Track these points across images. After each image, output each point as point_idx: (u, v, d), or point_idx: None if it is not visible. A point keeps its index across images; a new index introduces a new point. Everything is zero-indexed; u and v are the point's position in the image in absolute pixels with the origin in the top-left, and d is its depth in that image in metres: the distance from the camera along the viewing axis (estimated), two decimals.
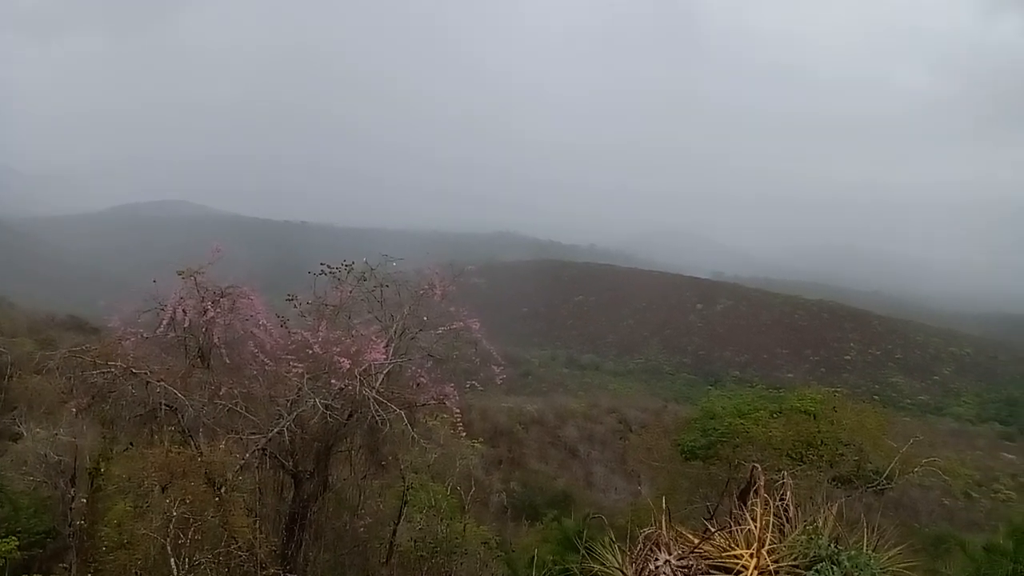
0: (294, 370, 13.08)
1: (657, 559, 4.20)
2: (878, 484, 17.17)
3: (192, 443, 13.08)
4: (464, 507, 19.36)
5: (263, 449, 12.98)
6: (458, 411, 13.99)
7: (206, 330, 13.47)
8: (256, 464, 13.88)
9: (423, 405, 13.92)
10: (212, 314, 13.32)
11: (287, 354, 13.76)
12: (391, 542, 16.53)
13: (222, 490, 12.51)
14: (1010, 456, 60.69)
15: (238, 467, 13.04)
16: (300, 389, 12.93)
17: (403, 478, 16.62)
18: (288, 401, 13.14)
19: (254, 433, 12.92)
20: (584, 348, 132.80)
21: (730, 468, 17.17)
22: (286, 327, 14.44)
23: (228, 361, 13.62)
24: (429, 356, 14.34)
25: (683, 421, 22.48)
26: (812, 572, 3.59)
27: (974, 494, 38.83)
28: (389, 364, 13.56)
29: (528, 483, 35.49)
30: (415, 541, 17.14)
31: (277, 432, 12.53)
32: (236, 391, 13.34)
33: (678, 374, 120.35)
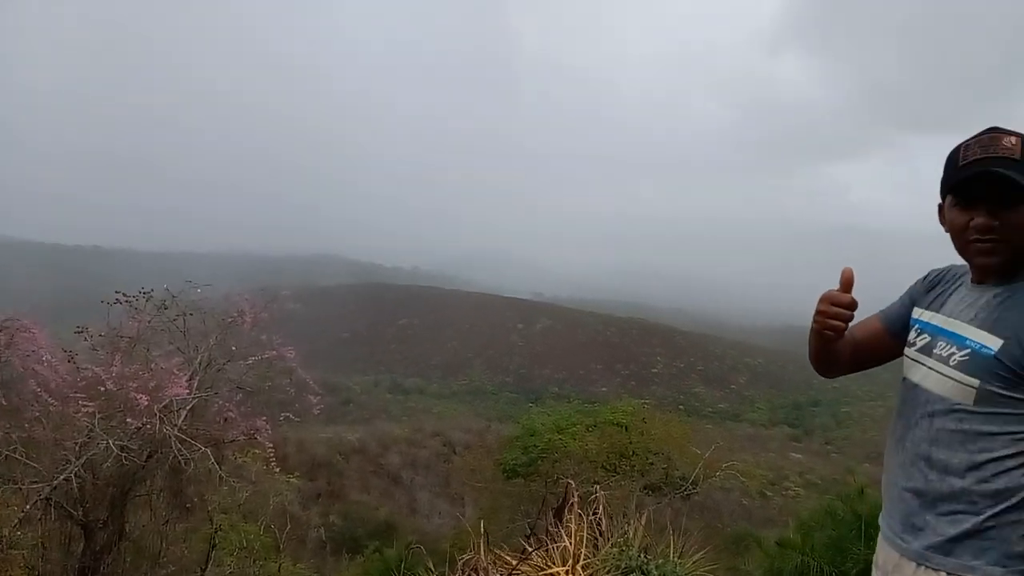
0: (84, 410, 11.82)
1: None
2: (685, 490, 18.19)
3: None
4: (279, 546, 18.41)
5: (47, 499, 11.62)
6: (271, 445, 13.22)
7: None
8: (39, 516, 12.41)
9: (232, 441, 13.05)
10: None
11: (76, 392, 12.42)
12: None
13: None
14: (798, 456, 66.36)
15: (16, 521, 11.60)
16: (91, 430, 11.70)
17: (211, 520, 15.52)
18: (77, 444, 11.86)
19: (36, 482, 11.54)
20: (408, 372, 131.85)
21: (551, 484, 17.56)
22: (74, 362, 13.05)
23: (5, 403, 12.09)
24: (238, 388, 13.46)
25: (505, 440, 22.76)
26: None
27: (768, 493, 42.16)
28: (193, 399, 12.61)
29: (349, 515, 34.37)
30: None
31: (64, 479, 11.26)
32: (14, 436, 11.86)
33: (501, 393, 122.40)
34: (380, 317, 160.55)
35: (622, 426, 18.97)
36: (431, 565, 4.56)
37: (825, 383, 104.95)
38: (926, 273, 2.60)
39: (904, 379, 2.45)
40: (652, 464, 18.52)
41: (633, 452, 18.22)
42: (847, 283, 2.31)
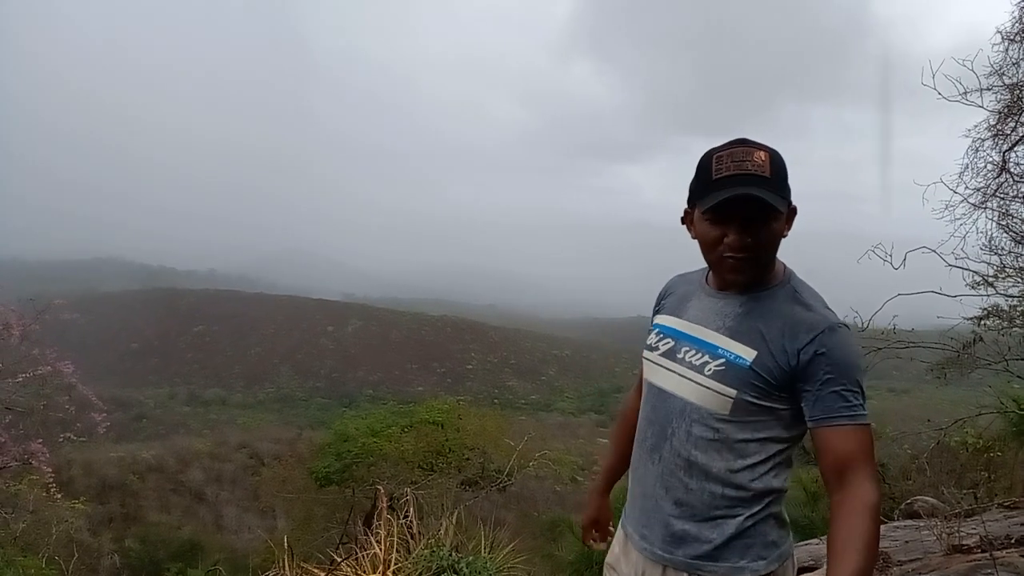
0: None
1: None
2: (500, 482, 18.55)
3: None
4: None
5: None
6: (50, 470, 11.99)
7: None
8: None
9: (2, 468, 11.68)
10: None
11: None
12: None
13: None
14: (604, 441, 69.21)
15: None
16: None
17: None
18: None
19: None
20: (208, 382, 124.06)
21: (364, 490, 17.25)
22: None
23: None
24: (7, 409, 12.06)
25: (318, 447, 22.05)
26: None
27: (579, 478, 43.92)
28: None
29: (147, 538, 31.77)
30: None
31: None
32: None
33: (312, 399, 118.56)
34: (173, 324, 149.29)
35: (438, 424, 19.02)
36: None
37: (627, 370, 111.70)
38: (666, 283, 2.62)
39: (649, 383, 2.42)
40: (468, 459, 18.71)
41: (449, 449, 18.31)
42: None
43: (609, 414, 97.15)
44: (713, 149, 2.19)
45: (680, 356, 2.32)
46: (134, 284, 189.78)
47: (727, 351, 2.22)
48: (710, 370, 2.22)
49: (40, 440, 12.06)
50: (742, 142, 2.16)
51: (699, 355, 2.27)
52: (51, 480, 12.26)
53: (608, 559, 2.63)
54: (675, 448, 2.29)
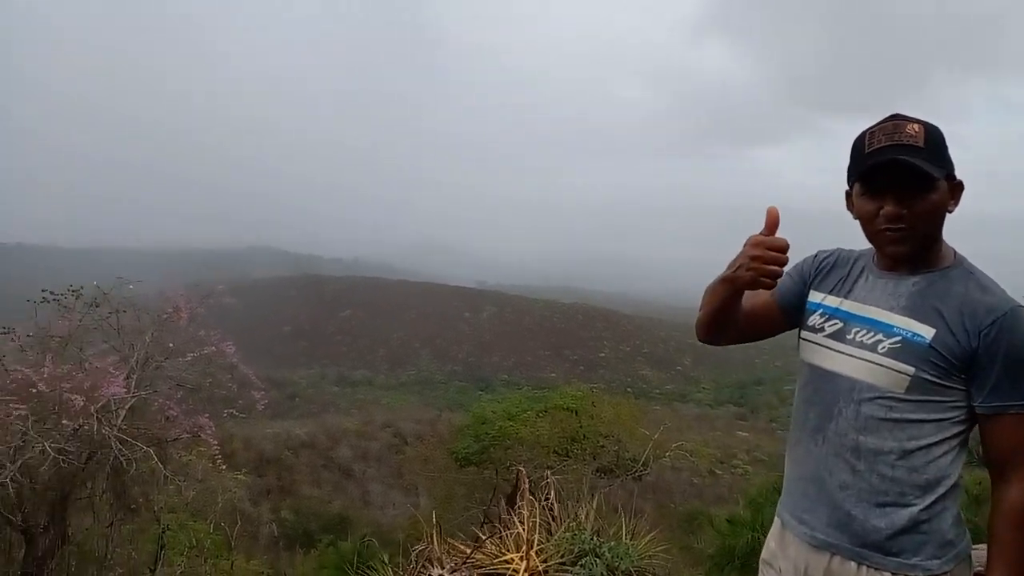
0: (15, 413, 11.38)
1: (430, 574, 4.11)
2: (636, 471, 18.44)
3: None
4: (231, 543, 18.08)
5: None
6: (216, 443, 12.97)
7: None
8: None
9: (175, 440, 12.75)
10: None
11: (6, 395, 11.95)
12: None
13: None
14: (744, 434, 67.79)
15: None
16: (24, 434, 11.28)
17: (158, 520, 15.14)
18: (10, 448, 11.42)
19: None
20: (354, 364, 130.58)
21: (501, 471, 17.63)
22: (3, 364, 12.55)
23: None
24: (179, 386, 13.14)
25: (457, 428, 22.74)
26: (578, 567, 3.69)
27: (717, 471, 43.10)
28: (132, 398, 12.26)
29: (300, 510, 33.96)
30: None
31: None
32: None
33: (450, 382, 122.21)
34: (321, 309, 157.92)
35: (572, 411, 19.10)
36: (386, 557, 4.49)
37: (768, 362, 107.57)
38: (815, 253, 2.51)
39: (811, 365, 2.35)
40: (603, 447, 18.71)
41: (584, 436, 18.37)
42: (773, 224, 2.15)
43: (749, 406, 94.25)
44: (866, 128, 2.16)
45: (850, 337, 2.25)
46: (285, 271, 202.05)
47: (903, 329, 2.14)
48: (884, 348, 2.15)
49: (207, 415, 13.11)
50: (894, 117, 2.13)
51: (871, 334, 2.20)
52: (217, 452, 13.29)
53: (764, 555, 2.52)
54: (841, 429, 2.21)
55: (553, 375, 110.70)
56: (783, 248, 2.11)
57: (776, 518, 2.49)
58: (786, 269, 2.15)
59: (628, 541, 4.02)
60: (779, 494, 2.49)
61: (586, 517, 4.14)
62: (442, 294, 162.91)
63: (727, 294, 2.28)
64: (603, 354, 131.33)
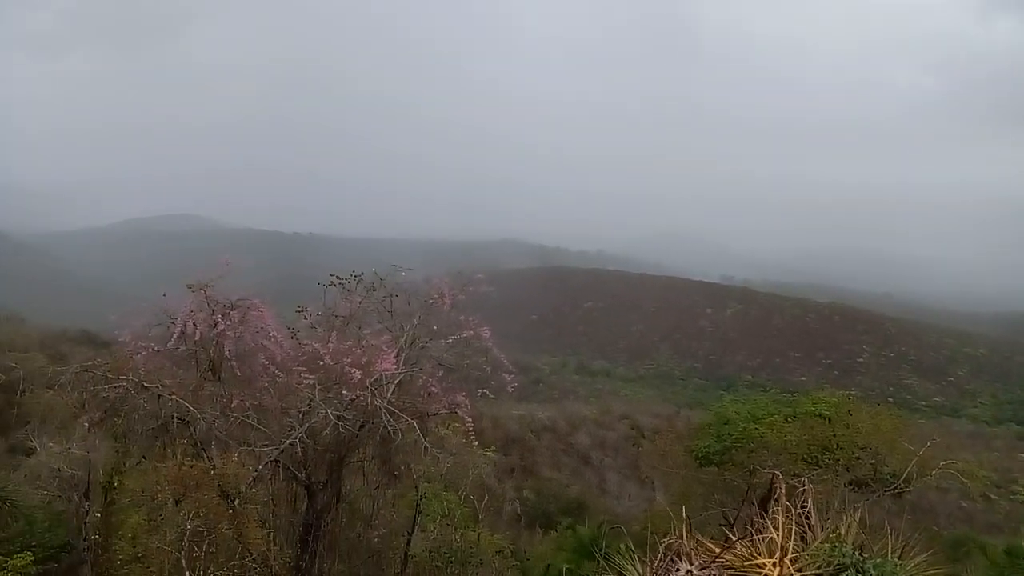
0: (305, 381, 13.05)
1: (678, 569, 4.14)
2: (896, 487, 16.99)
3: (205, 456, 13.07)
4: (478, 516, 19.29)
5: (276, 461, 12.95)
6: (470, 420, 13.92)
7: (217, 343, 13.45)
8: (269, 476, 13.86)
9: (435, 414, 13.87)
10: (222, 327, 13.30)
11: (298, 366, 13.73)
12: (405, 552, 16.47)
13: (235, 503, 12.49)
14: None
15: (251, 479, 13.02)
16: (311, 400, 12.90)
17: (416, 488, 16.56)
18: (300, 412, 13.12)
19: (266, 445, 12.89)
20: (594, 354, 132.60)
21: (746, 474, 17.06)
22: (296, 339, 14.41)
23: (239, 374, 13.59)
24: (440, 365, 14.28)
25: (696, 427, 22.35)
26: None
27: (993, 496, 38.45)
28: (400, 374, 13.52)
29: (541, 491, 35.32)
30: (430, 551, 17.07)
31: (289, 444, 12.49)
32: (248, 403, 13.32)
33: (689, 379, 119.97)
34: (566, 300, 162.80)
35: (825, 418, 18.01)
36: (631, 545, 4.58)
37: None
38: None
39: None
40: (858, 459, 17.42)
41: (837, 445, 17.22)
42: None
43: None
44: None
45: None
46: (533, 262, 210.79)
47: None
48: None
49: (463, 393, 14.13)
50: None
51: None
52: (470, 428, 14.29)
53: None
54: None
55: (803, 379, 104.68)
56: None
57: None
58: None
59: (896, 560, 3.76)
60: None
61: (847, 530, 3.94)
62: (684, 288, 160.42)
63: None
64: (861, 359, 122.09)
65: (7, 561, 14.38)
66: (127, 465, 15.49)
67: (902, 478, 16.78)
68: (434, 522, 17.82)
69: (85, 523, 16.24)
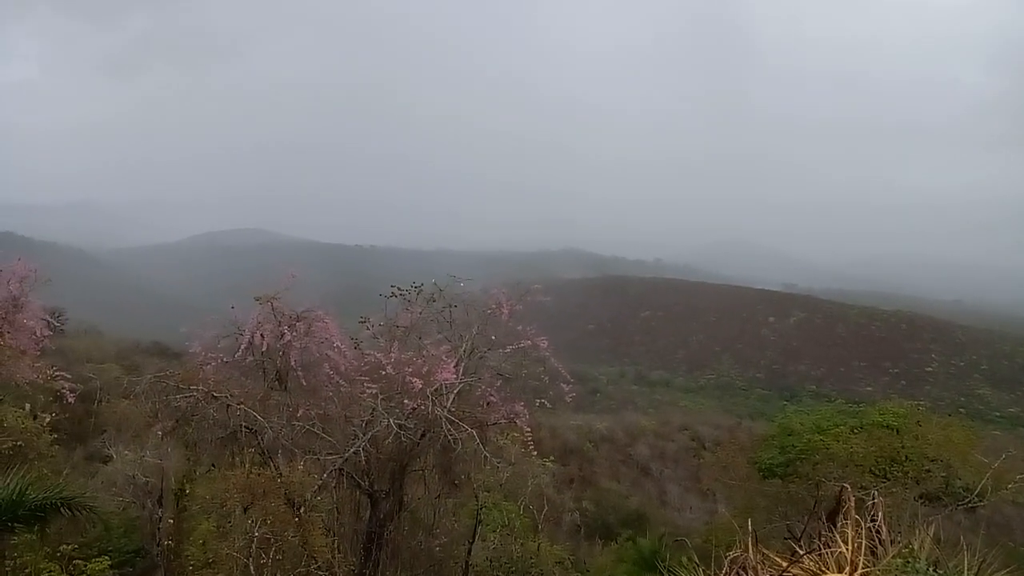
0: (368, 391, 13.30)
1: None
2: (969, 501, 16.41)
3: (272, 464, 13.41)
4: (537, 526, 19.29)
5: (340, 469, 13.22)
6: (529, 429, 13.97)
7: (283, 353, 13.83)
8: (333, 484, 14.14)
9: (494, 424, 13.96)
10: (289, 338, 13.67)
11: (361, 375, 14.00)
12: (466, 561, 16.57)
13: (301, 510, 12.77)
14: None
15: (316, 487, 13.30)
16: (374, 410, 13.13)
17: (476, 497, 16.66)
18: (363, 422, 13.38)
19: (331, 453, 13.17)
20: (653, 364, 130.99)
21: (811, 487, 16.66)
22: (359, 349, 14.71)
23: (305, 383, 13.94)
24: (498, 375, 14.37)
25: (759, 438, 21.94)
26: None
27: None
28: (460, 383, 13.66)
29: (600, 502, 35.05)
30: (490, 560, 17.14)
31: (353, 452, 12.74)
32: (313, 412, 13.64)
33: (751, 390, 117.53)
34: (623, 309, 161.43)
35: (893, 429, 17.52)
36: (694, 558, 4.56)
37: None
38: None
39: None
40: (929, 472, 16.87)
41: (906, 457, 16.71)
42: None
43: None
44: None
45: None
46: (591, 272, 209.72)
47: None
48: None
49: (522, 402, 14.19)
50: None
51: None
52: (529, 438, 14.33)
53: None
54: None
55: (869, 389, 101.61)
56: None
57: None
58: None
59: None
60: None
61: (920, 545, 3.85)
62: (744, 297, 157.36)
63: None
64: (930, 368, 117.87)
65: (86, 565, 14.98)
66: (197, 473, 15.99)
67: (976, 492, 16.20)
68: (494, 532, 17.89)
69: (158, 529, 16.82)
